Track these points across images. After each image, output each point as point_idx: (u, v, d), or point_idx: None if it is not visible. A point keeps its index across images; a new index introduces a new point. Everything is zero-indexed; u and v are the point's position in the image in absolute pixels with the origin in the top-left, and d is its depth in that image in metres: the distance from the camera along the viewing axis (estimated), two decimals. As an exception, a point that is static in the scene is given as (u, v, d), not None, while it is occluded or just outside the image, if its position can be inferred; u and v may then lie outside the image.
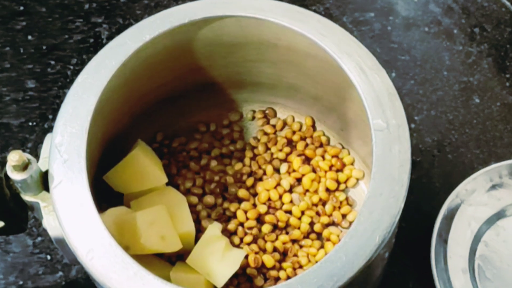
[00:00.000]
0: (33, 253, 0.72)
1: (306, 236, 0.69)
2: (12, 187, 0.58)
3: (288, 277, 0.66)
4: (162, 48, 0.64)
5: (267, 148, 0.73)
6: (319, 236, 0.69)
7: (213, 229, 0.65)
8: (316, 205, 0.70)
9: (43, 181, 0.58)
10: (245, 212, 0.69)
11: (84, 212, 0.56)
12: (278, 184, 0.70)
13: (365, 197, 0.56)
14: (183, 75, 0.69)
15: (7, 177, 0.57)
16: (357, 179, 0.71)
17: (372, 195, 0.56)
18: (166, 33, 0.62)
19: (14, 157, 0.55)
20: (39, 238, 0.73)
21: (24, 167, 0.56)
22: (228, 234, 0.68)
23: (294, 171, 0.71)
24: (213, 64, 0.69)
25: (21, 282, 0.71)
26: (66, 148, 0.58)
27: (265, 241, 0.68)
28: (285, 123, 0.74)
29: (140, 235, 0.60)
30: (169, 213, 0.64)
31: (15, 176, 0.56)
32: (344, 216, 0.70)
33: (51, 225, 0.57)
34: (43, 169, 0.58)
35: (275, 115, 0.75)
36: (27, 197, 0.58)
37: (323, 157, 0.72)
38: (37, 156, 0.59)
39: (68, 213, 0.56)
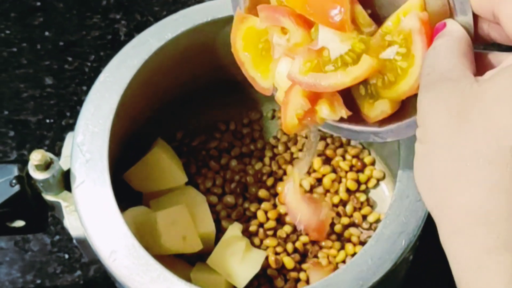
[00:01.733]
0: (51, 252, 0.72)
1: (326, 237, 0.68)
2: (34, 186, 0.57)
3: (308, 279, 0.65)
4: (183, 47, 0.63)
5: (287, 148, 0.72)
6: (339, 237, 0.68)
7: (234, 229, 0.64)
8: (336, 205, 0.69)
9: (65, 181, 0.58)
10: (266, 212, 0.68)
11: (106, 213, 0.55)
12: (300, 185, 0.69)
13: (391, 199, 0.55)
14: (204, 73, 0.69)
15: (28, 176, 0.57)
16: (378, 180, 0.71)
17: (398, 197, 0.55)
18: (188, 31, 0.62)
19: (37, 156, 0.55)
20: (57, 237, 0.72)
21: (46, 166, 0.56)
22: (248, 234, 0.67)
23: (314, 171, 0.70)
24: (233, 62, 0.68)
25: (39, 281, 0.71)
26: (88, 147, 0.57)
27: (286, 242, 0.67)
28: (305, 123, 0.73)
29: (161, 236, 0.60)
30: (189, 213, 0.63)
31: (37, 175, 0.56)
32: (364, 217, 0.69)
33: (73, 225, 0.57)
34: (65, 168, 0.58)
35: (295, 114, 0.74)
36: (48, 197, 0.58)
37: (343, 157, 0.71)
38: (55, 153, 0.59)
39: (90, 213, 0.55)
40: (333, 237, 0.68)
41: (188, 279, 0.63)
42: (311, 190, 0.69)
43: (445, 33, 0.42)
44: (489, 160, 0.36)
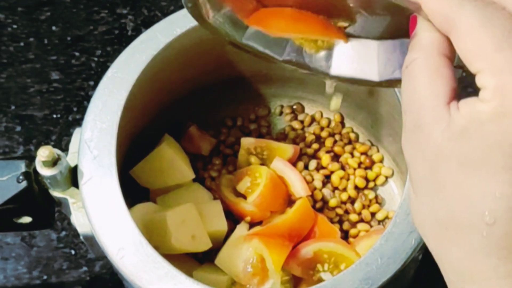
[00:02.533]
0: (57, 248, 0.72)
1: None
2: (41, 182, 0.57)
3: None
4: (192, 42, 0.63)
5: (295, 144, 0.71)
6: (346, 234, 0.68)
7: (241, 229, 0.64)
8: (344, 203, 0.69)
9: (72, 177, 0.57)
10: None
11: (114, 210, 0.55)
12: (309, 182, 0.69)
13: (401, 198, 0.55)
14: (212, 69, 0.68)
15: (36, 172, 0.56)
16: (386, 177, 0.70)
17: (407, 196, 0.54)
18: (197, 27, 0.61)
19: (44, 152, 0.54)
20: (64, 233, 0.72)
21: (54, 162, 0.55)
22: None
23: (322, 168, 0.70)
24: (241, 58, 0.68)
25: (45, 277, 0.71)
26: (96, 143, 0.57)
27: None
28: (313, 119, 0.73)
29: (171, 235, 0.59)
30: (197, 211, 0.63)
31: (45, 171, 0.55)
32: (373, 214, 0.69)
33: (80, 221, 0.57)
34: (72, 165, 0.57)
35: (303, 111, 0.74)
36: (55, 193, 0.58)
37: (352, 154, 0.71)
38: (61, 148, 0.58)
39: (98, 210, 0.55)
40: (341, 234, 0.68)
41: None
42: (323, 185, 0.69)
43: (415, 44, 0.39)
44: (465, 226, 0.36)
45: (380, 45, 0.47)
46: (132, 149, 0.66)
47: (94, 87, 0.61)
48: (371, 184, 0.70)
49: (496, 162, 0.35)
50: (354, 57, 0.48)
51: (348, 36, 0.48)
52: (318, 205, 0.68)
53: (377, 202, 0.69)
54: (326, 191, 0.68)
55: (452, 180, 0.36)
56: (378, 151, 0.71)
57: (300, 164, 0.69)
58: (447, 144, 0.36)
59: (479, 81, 0.36)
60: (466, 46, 0.36)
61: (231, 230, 0.65)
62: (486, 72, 0.35)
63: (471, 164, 0.36)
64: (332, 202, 0.68)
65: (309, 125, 0.73)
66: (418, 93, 0.38)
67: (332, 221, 0.67)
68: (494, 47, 0.35)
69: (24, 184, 0.56)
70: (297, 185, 0.66)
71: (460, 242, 0.37)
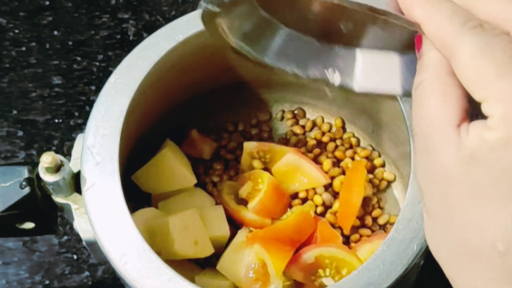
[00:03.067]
0: (59, 253, 0.72)
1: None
2: (44, 188, 0.57)
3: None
4: (194, 48, 0.63)
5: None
6: (348, 238, 0.68)
7: (243, 234, 0.64)
8: (346, 208, 0.69)
9: (75, 183, 0.57)
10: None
11: (117, 216, 0.55)
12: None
13: (403, 204, 0.55)
14: (213, 74, 0.68)
15: (38, 178, 0.56)
16: (388, 182, 0.70)
17: (410, 202, 0.55)
18: (199, 33, 0.61)
19: (47, 158, 0.55)
20: (65, 237, 0.72)
21: (57, 169, 0.55)
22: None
23: (324, 172, 0.70)
24: (243, 63, 0.68)
25: (47, 282, 0.71)
26: (98, 150, 0.57)
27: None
28: (314, 124, 0.73)
29: (173, 241, 0.59)
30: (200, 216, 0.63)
31: (48, 178, 0.55)
32: (374, 219, 0.69)
33: (83, 227, 0.57)
34: (75, 170, 0.57)
35: (304, 116, 0.74)
36: (58, 199, 0.58)
37: (353, 159, 0.71)
38: (63, 153, 0.58)
39: (100, 216, 0.55)
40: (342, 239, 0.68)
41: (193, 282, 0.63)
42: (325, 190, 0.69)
43: (422, 65, 0.38)
44: (477, 254, 0.36)
45: (402, 58, 0.47)
46: (134, 154, 0.66)
47: (95, 92, 0.61)
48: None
49: (506, 191, 0.34)
50: (377, 71, 0.48)
51: (370, 48, 0.48)
52: (320, 209, 0.68)
53: (379, 207, 0.69)
54: (327, 196, 0.69)
55: (462, 207, 0.36)
56: (379, 156, 0.71)
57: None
58: (457, 169, 0.36)
59: (485, 110, 0.35)
60: (467, 75, 0.35)
61: (232, 235, 0.65)
62: (491, 100, 0.34)
63: (481, 191, 0.35)
64: (334, 207, 0.68)
65: (310, 130, 0.73)
66: (427, 116, 0.37)
67: (333, 226, 0.67)
68: (496, 74, 0.34)
69: (27, 190, 0.56)
70: (315, 173, 0.66)
71: (474, 270, 0.36)
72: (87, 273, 0.71)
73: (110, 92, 0.59)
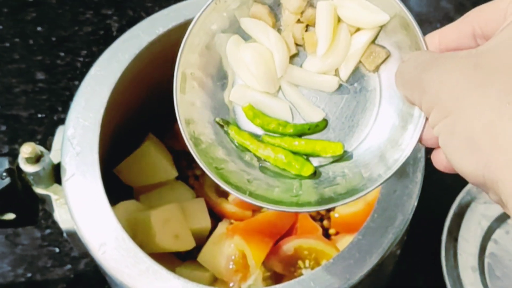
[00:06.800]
0: (41, 246, 0.72)
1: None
2: (24, 179, 0.58)
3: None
4: (174, 41, 0.63)
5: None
6: (326, 231, 0.69)
7: (223, 226, 0.64)
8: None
9: (55, 174, 0.58)
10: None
11: (96, 206, 0.55)
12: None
13: (379, 194, 0.55)
14: (195, 68, 0.69)
15: (19, 169, 0.57)
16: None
17: (385, 192, 0.55)
18: (179, 26, 0.62)
19: (27, 149, 0.55)
20: (48, 231, 0.73)
21: (37, 159, 0.56)
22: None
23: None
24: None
25: (29, 275, 0.71)
26: (78, 140, 0.58)
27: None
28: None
29: (155, 235, 0.60)
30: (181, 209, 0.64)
31: (28, 168, 0.56)
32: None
33: (63, 218, 0.57)
34: (55, 162, 0.58)
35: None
36: (38, 190, 0.58)
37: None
38: (46, 148, 0.59)
39: (80, 206, 0.56)
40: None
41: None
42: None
43: None
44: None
45: None
46: (116, 147, 0.66)
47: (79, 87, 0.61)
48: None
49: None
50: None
51: None
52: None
53: (358, 200, 0.70)
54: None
55: (498, 64, 0.37)
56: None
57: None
58: (485, 45, 0.38)
59: None
60: None
61: (214, 227, 0.65)
62: None
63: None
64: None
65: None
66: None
67: (314, 219, 0.68)
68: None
69: (7, 180, 0.56)
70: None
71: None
72: (69, 266, 0.72)
73: (91, 83, 0.60)
